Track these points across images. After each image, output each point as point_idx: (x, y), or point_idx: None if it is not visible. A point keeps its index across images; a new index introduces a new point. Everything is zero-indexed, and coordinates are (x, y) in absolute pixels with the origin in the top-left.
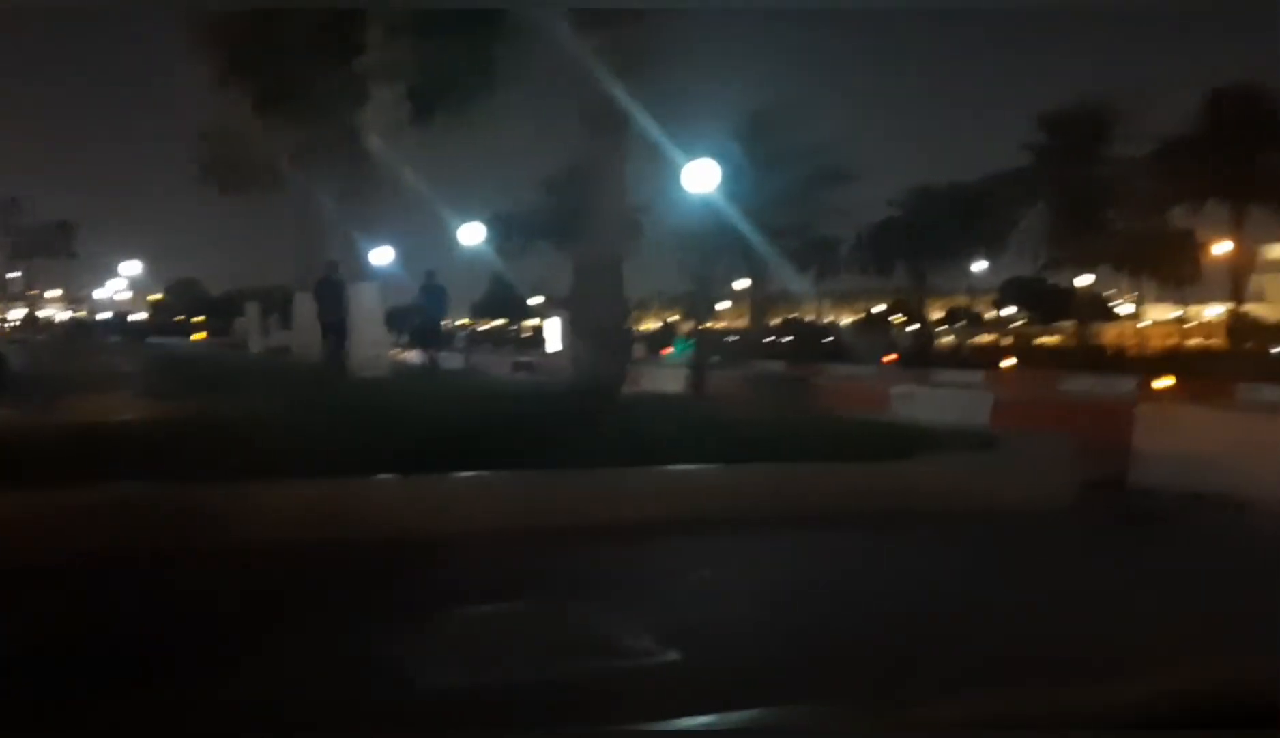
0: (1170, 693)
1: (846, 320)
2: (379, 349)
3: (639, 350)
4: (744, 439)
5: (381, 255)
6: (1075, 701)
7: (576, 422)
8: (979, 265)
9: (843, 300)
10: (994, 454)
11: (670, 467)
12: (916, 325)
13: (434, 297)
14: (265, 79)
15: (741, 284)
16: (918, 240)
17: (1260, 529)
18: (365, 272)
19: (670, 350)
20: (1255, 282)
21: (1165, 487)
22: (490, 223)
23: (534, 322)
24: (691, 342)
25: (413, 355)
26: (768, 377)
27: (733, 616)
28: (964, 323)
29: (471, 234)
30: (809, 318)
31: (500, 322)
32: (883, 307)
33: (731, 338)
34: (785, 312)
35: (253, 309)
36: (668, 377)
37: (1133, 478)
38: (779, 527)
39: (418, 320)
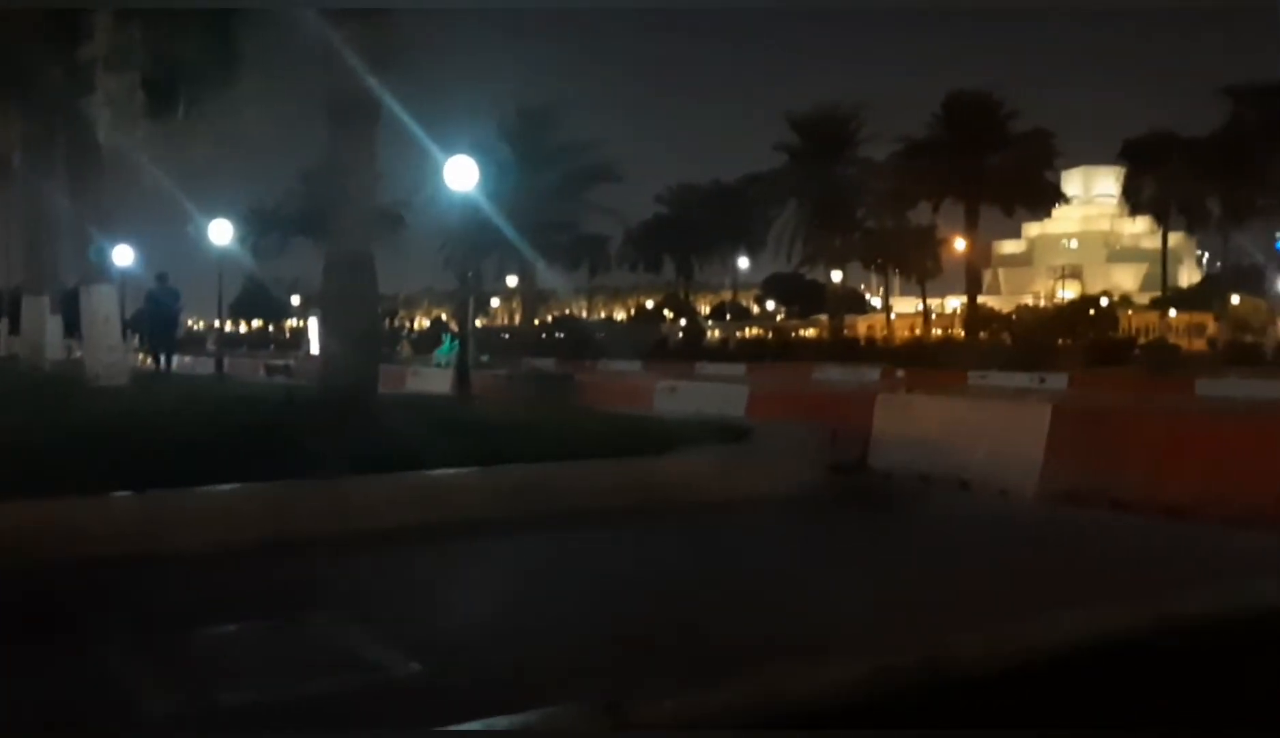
0: (885, 668)
1: (619, 316)
2: (116, 356)
3: (405, 350)
4: (504, 440)
5: (121, 255)
6: (791, 685)
7: (327, 428)
8: (743, 261)
9: (615, 296)
10: (745, 445)
11: (425, 472)
12: (685, 321)
13: (163, 300)
14: None
15: (514, 281)
16: (684, 237)
17: (977, 507)
18: (100, 273)
19: (438, 349)
20: (989, 275)
21: (900, 469)
22: (246, 219)
23: (294, 322)
24: (457, 340)
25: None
26: (534, 375)
27: (478, 622)
28: (730, 317)
29: (221, 232)
30: (582, 314)
31: (258, 323)
32: (652, 302)
33: (504, 335)
34: (558, 308)
35: None
36: (435, 377)
37: (872, 460)
38: (533, 528)
39: (148, 325)
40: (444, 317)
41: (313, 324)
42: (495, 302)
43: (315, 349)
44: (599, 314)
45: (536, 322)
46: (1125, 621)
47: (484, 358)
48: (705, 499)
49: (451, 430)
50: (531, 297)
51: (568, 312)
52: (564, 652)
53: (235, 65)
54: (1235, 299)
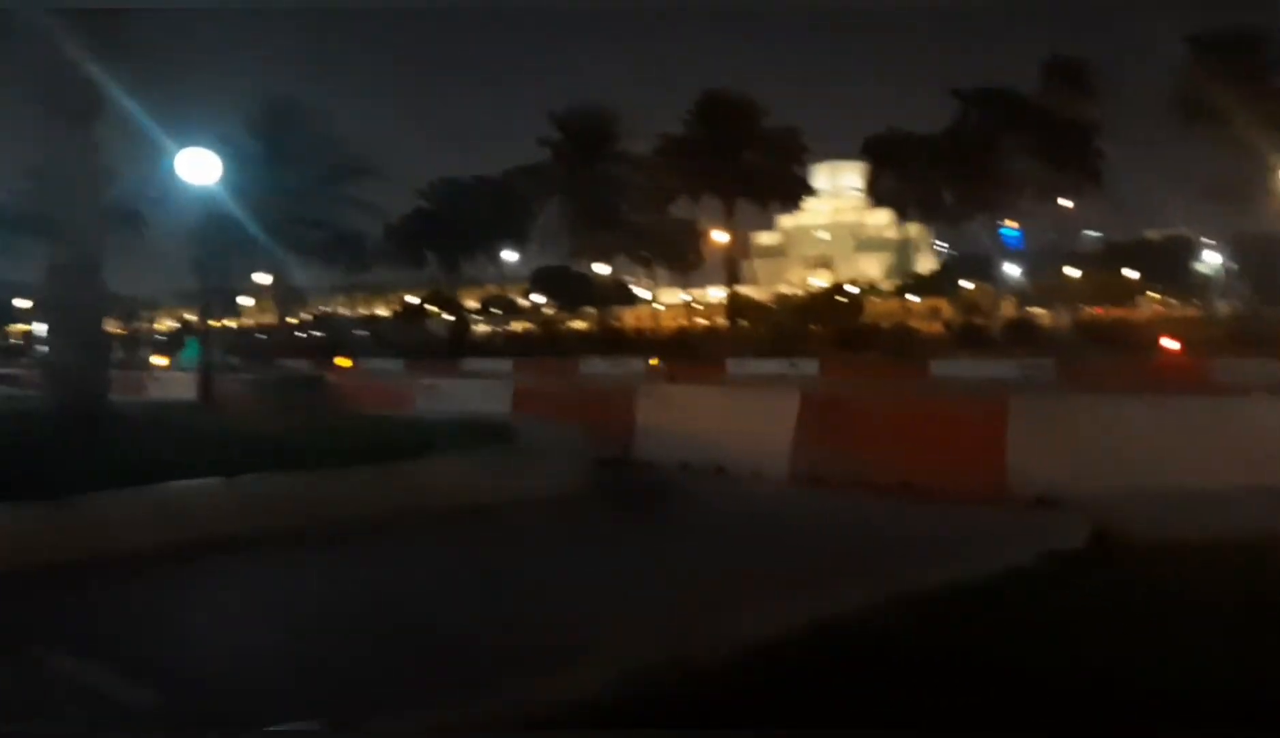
0: (633, 669)
1: (382, 313)
2: None
3: (148, 354)
4: (250, 449)
5: None
6: (536, 694)
7: (54, 442)
8: (510, 255)
9: (376, 293)
10: (507, 445)
11: (164, 486)
12: (451, 317)
13: None
14: None
15: (266, 279)
16: (447, 231)
17: (732, 492)
18: None
19: (182, 352)
20: (748, 267)
21: (662, 459)
22: None
23: (24, 327)
24: (200, 343)
25: None
26: (285, 378)
27: (218, 647)
28: (499, 311)
29: None
30: (341, 312)
31: None
32: (417, 298)
33: (259, 336)
34: (316, 307)
35: None
36: (178, 383)
37: (636, 453)
38: (282, 543)
39: None
40: (190, 318)
41: (41, 329)
42: (248, 301)
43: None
44: (360, 312)
45: (292, 321)
46: (861, 598)
47: (231, 360)
48: (467, 503)
49: (194, 440)
50: (285, 295)
51: (326, 310)
52: (306, 673)
53: None
54: (967, 285)
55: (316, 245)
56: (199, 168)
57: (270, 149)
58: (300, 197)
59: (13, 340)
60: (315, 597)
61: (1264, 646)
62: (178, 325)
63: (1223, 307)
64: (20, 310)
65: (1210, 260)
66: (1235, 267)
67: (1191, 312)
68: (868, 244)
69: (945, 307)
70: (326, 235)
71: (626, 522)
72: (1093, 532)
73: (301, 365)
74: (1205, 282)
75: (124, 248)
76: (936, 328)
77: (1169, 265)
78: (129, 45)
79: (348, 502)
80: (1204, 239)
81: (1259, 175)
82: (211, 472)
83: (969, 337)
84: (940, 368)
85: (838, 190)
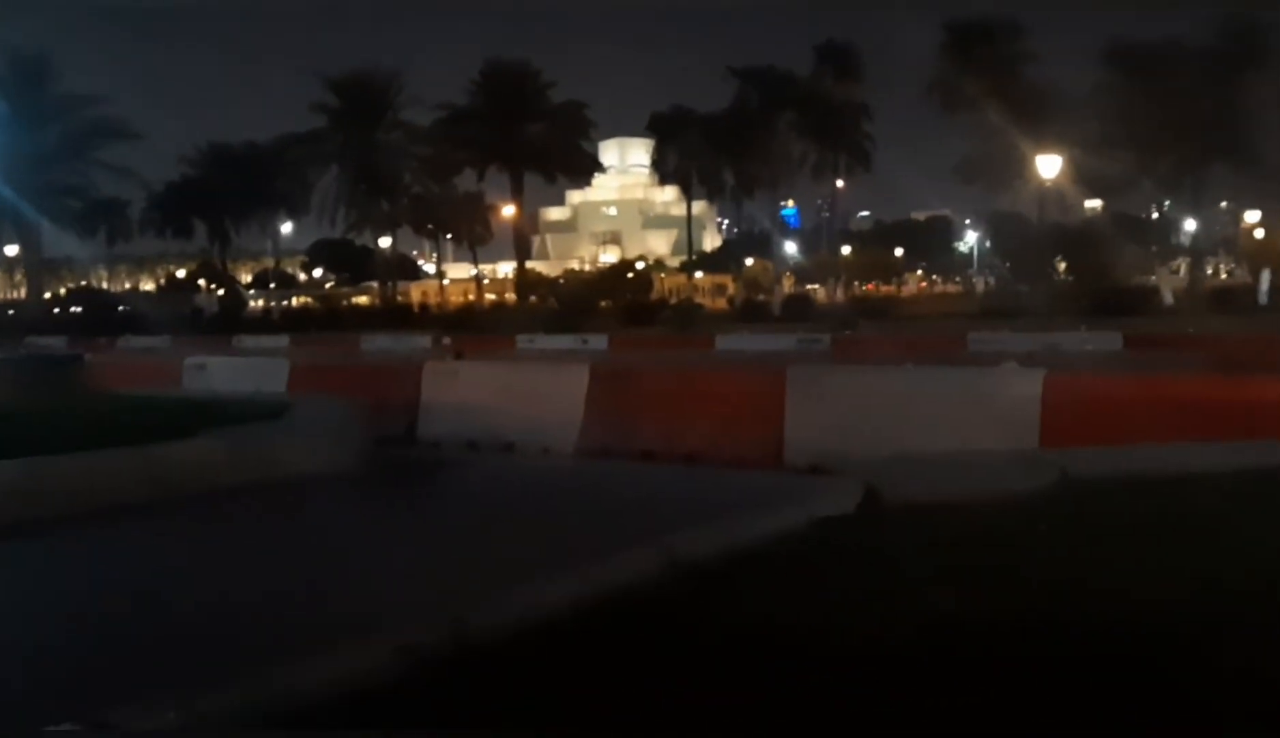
0: (406, 647)
1: (148, 287)
2: None
3: None
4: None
5: None
6: (302, 678)
7: None
8: (286, 227)
9: (141, 266)
10: (280, 423)
11: None
12: (223, 290)
13: None
14: None
15: (14, 250)
16: (217, 201)
17: (518, 468)
18: None
19: None
20: (538, 242)
21: (448, 437)
22: None
23: None
24: None
25: None
26: (34, 357)
27: None
28: (274, 286)
29: None
30: (103, 286)
31: None
32: (185, 272)
33: (8, 312)
34: (74, 280)
35: None
36: None
37: (421, 431)
38: (25, 534)
39: None
40: None
41: None
42: None
43: None
44: (123, 286)
45: (47, 295)
46: (639, 567)
47: None
48: (233, 484)
49: None
50: (37, 267)
51: (85, 284)
52: (56, 671)
53: None
54: (749, 262)
55: (71, 213)
56: None
57: (16, 108)
58: (51, 160)
59: None
60: (62, 591)
61: (1004, 599)
62: None
63: (979, 282)
64: None
65: (969, 239)
66: (990, 244)
67: (953, 287)
68: (655, 221)
69: (729, 283)
70: (82, 203)
71: (403, 500)
72: (863, 496)
73: (56, 343)
74: (964, 259)
75: None
76: (721, 303)
77: (933, 244)
78: None
79: (104, 489)
80: (965, 220)
81: (1010, 159)
82: None
83: (751, 312)
84: (724, 342)
85: (626, 167)
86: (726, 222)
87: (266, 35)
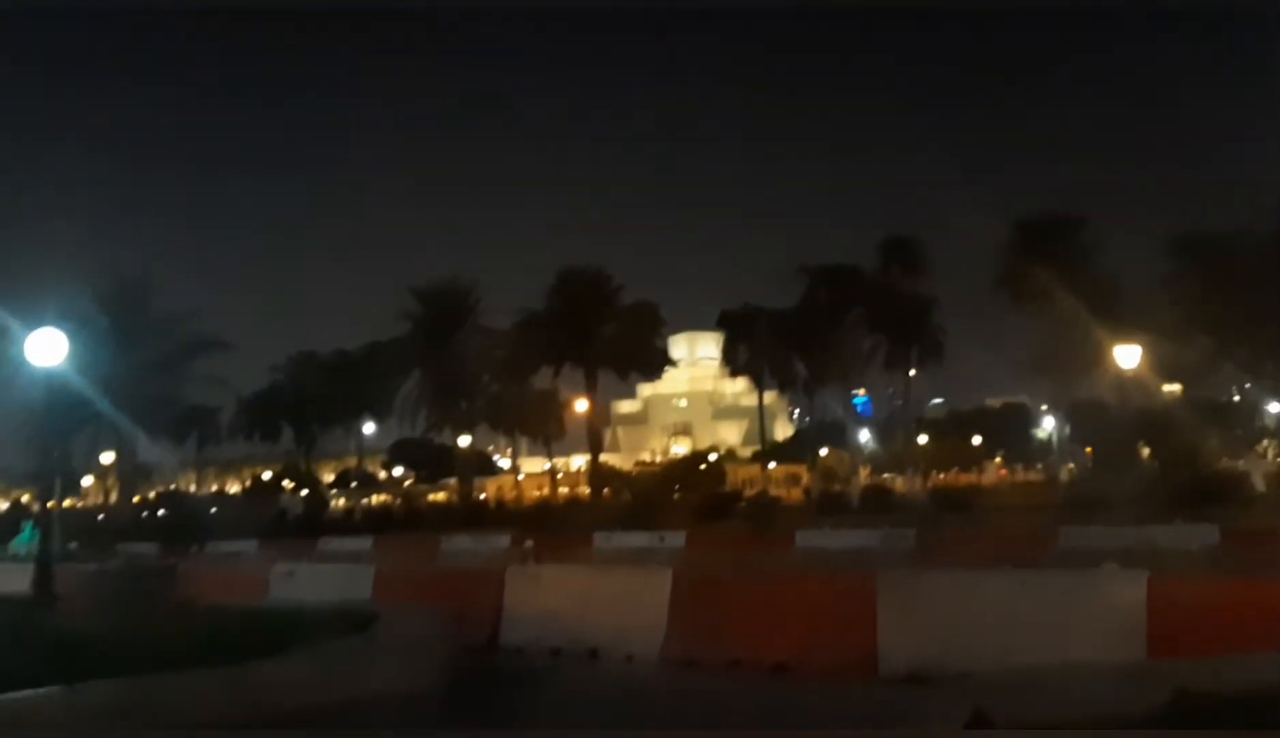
0: None
1: (233, 489)
2: None
3: None
4: (91, 651)
5: None
6: None
7: None
8: (369, 427)
9: (228, 468)
10: (367, 638)
11: None
12: (307, 490)
13: None
14: None
15: (109, 457)
16: (303, 405)
17: (602, 679)
18: None
19: (17, 538)
20: (610, 434)
21: (531, 644)
22: None
23: None
24: (37, 529)
25: None
26: (129, 569)
27: None
28: (356, 484)
29: None
30: (190, 489)
31: None
32: (271, 473)
33: (99, 517)
34: (162, 484)
35: None
36: (12, 574)
37: (504, 639)
38: None
39: None
40: (25, 500)
41: None
42: (88, 480)
43: None
44: (210, 488)
45: (137, 499)
46: None
47: (71, 547)
48: (324, 702)
49: (26, 642)
50: (130, 473)
51: (174, 487)
52: None
53: None
54: (823, 452)
55: (165, 421)
56: (45, 348)
57: (118, 325)
58: (148, 373)
59: None
60: None
61: None
62: (9, 507)
63: (1062, 471)
64: None
65: (1046, 425)
66: (1069, 431)
67: (1034, 476)
68: (725, 411)
69: (804, 473)
70: (175, 411)
71: (484, 722)
72: (971, 716)
73: (147, 550)
74: (1043, 446)
75: None
76: (796, 495)
77: (1010, 431)
78: None
79: (199, 708)
80: (1041, 406)
81: (1084, 348)
82: (49, 680)
83: (829, 504)
84: (804, 538)
85: (696, 359)
86: (798, 411)
87: (358, 250)
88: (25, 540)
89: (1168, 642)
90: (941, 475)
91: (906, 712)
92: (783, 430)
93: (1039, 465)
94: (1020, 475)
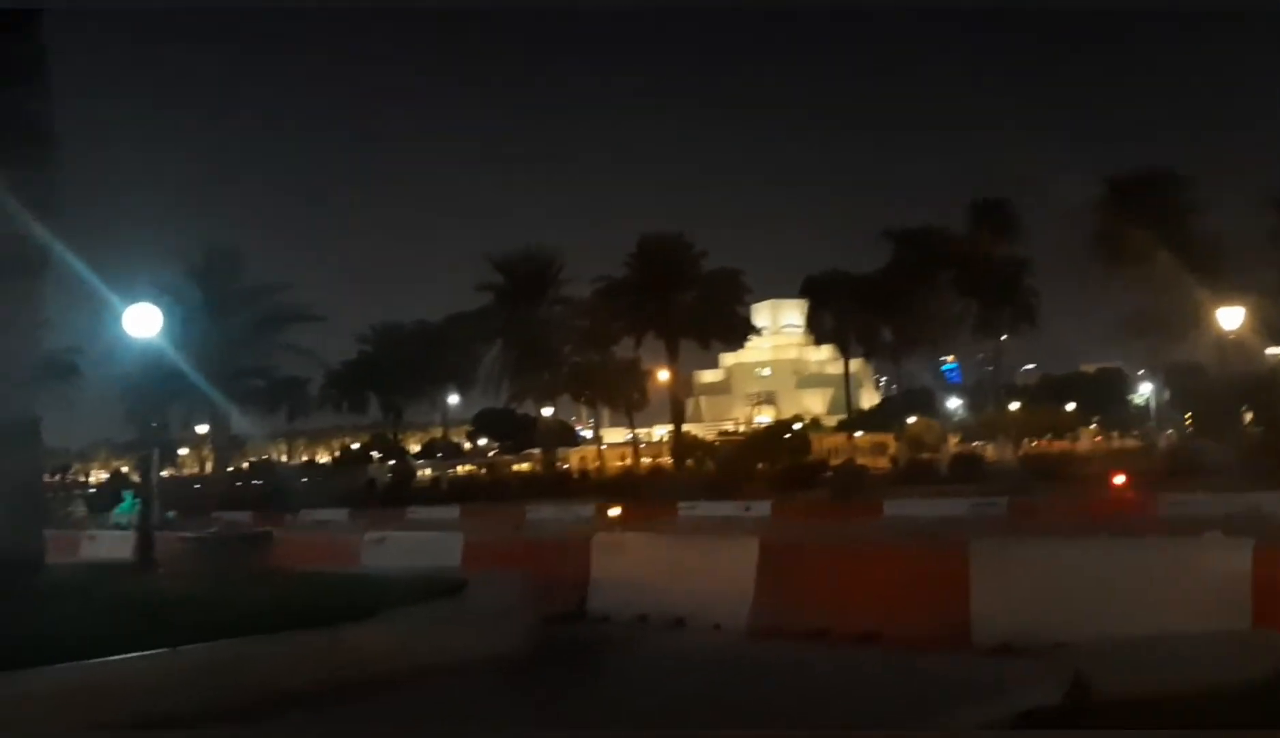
0: None
1: (323, 459)
2: None
3: (80, 510)
4: (190, 616)
5: None
6: None
7: None
8: (452, 398)
9: (317, 439)
10: (457, 603)
11: (94, 662)
12: (394, 461)
13: None
14: None
15: (204, 428)
16: (389, 376)
17: (690, 647)
18: None
19: (118, 507)
20: (692, 404)
21: (618, 611)
22: None
23: None
24: (138, 498)
25: None
26: (226, 536)
27: None
28: (441, 455)
29: None
30: (281, 459)
31: None
32: (359, 443)
33: (196, 486)
34: (255, 454)
35: None
36: (114, 541)
37: (591, 606)
38: (218, 719)
39: None
40: (123, 470)
41: None
42: (184, 451)
43: None
44: (300, 458)
45: (231, 469)
46: None
47: (169, 515)
48: (415, 665)
49: (130, 607)
50: (225, 444)
51: (266, 457)
52: None
53: None
54: (911, 420)
55: (257, 393)
56: (141, 321)
57: (210, 298)
58: (239, 345)
59: None
60: None
61: None
62: (109, 477)
63: (1160, 437)
64: None
65: (1143, 391)
66: (1168, 397)
67: (1131, 443)
68: (810, 380)
69: (891, 442)
70: (267, 383)
71: (575, 684)
72: (1069, 687)
73: (241, 518)
74: (1140, 412)
75: (56, 400)
76: (883, 463)
77: (1105, 397)
78: (67, 194)
79: (290, 671)
80: (1138, 371)
81: (1184, 310)
82: (149, 642)
83: (916, 472)
84: (893, 507)
85: (779, 327)
86: (885, 379)
87: (440, 219)
88: (126, 509)
89: (1275, 612)
90: (1034, 443)
91: (1003, 681)
92: (869, 399)
93: (1136, 432)
94: (1116, 442)
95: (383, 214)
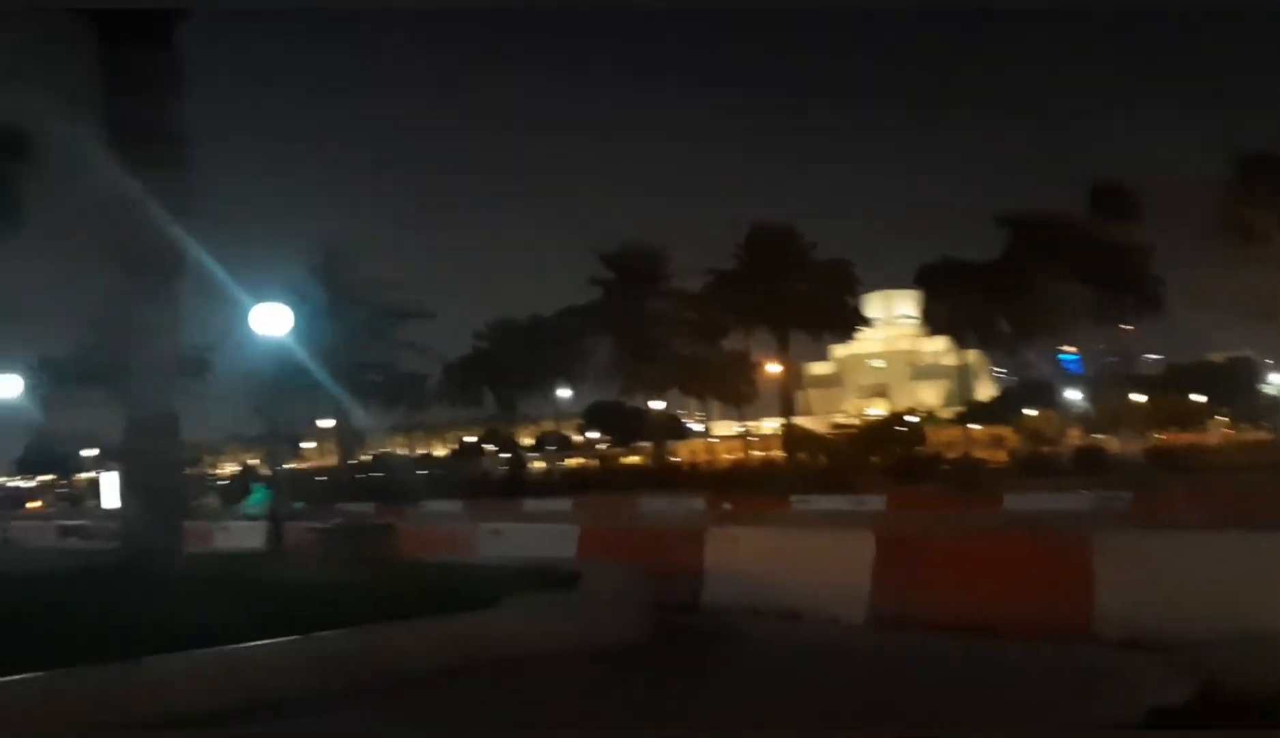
0: None
1: (439, 452)
2: None
3: (213, 502)
4: (320, 603)
5: None
6: None
7: (125, 601)
8: (564, 391)
9: (435, 432)
10: (573, 593)
11: (231, 647)
12: (508, 453)
13: None
14: None
15: (327, 422)
16: (503, 370)
17: (807, 640)
18: None
19: (248, 498)
20: (802, 397)
21: (732, 604)
22: (34, 369)
23: (88, 475)
24: (268, 490)
25: None
26: (352, 527)
27: None
28: (554, 448)
29: (7, 387)
30: (400, 452)
31: (48, 478)
32: (474, 436)
33: (320, 478)
34: (375, 447)
35: None
36: (246, 532)
37: (705, 599)
38: (346, 703)
39: None
40: (252, 463)
41: (104, 479)
42: (309, 444)
43: (110, 503)
44: (417, 451)
45: (354, 463)
46: None
47: (298, 506)
48: (536, 652)
49: (263, 595)
50: (348, 437)
51: (385, 451)
52: None
53: (18, 215)
54: (1030, 412)
55: (376, 388)
56: (271, 319)
57: (332, 295)
58: (359, 341)
59: (77, 490)
60: None
61: None
62: (239, 470)
63: None
64: (85, 460)
65: (1276, 382)
66: None
67: (1262, 435)
68: (924, 372)
69: (1009, 434)
70: (386, 378)
71: (690, 676)
72: (1197, 682)
73: (364, 509)
74: (1273, 403)
75: (189, 396)
76: (1001, 457)
77: (1234, 387)
78: (202, 197)
79: (416, 656)
80: (1269, 359)
81: None
82: (282, 629)
83: (1036, 465)
84: (1013, 501)
85: (891, 319)
86: (1002, 370)
87: (552, 214)
88: (256, 501)
89: None
90: (1160, 435)
91: (1132, 676)
92: (986, 391)
93: (1267, 424)
94: (1248, 434)
95: (496, 210)
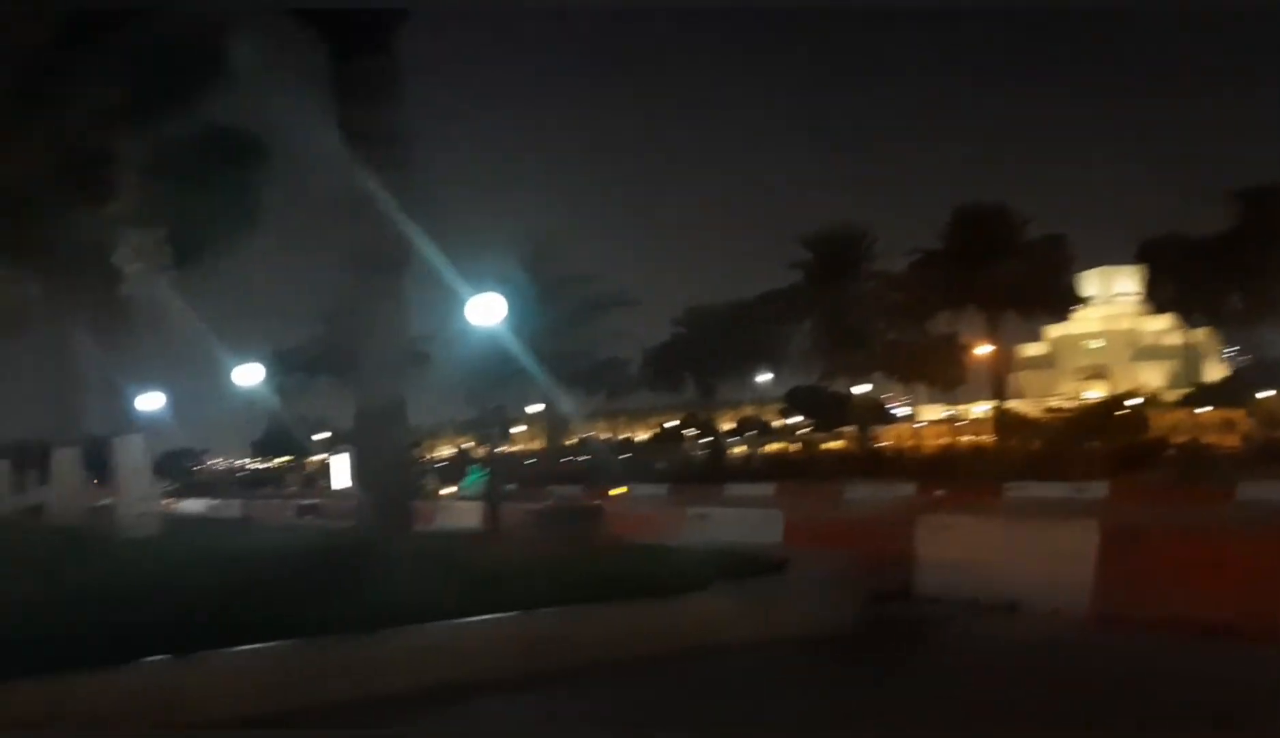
0: None
1: (641, 436)
2: (147, 505)
3: (433, 483)
4: (532, 584)
5: (150, 402)
6: None
7: (356, 578)
8: (764, 376)
9: (636, 417)
10: (780, 580)
11: (447, 623)
12: (709, 438)
13: None
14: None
15: (535, 407)
16: (702, 356)
17: (1026, 633)
18: (129, 422)
19: (464, 480)
20: (1013, 380)
21: (945, 593)
22: (270, 360)
23: (320, 457)
24: (484, 472)
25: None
26: (564, 509)
27: None
28: (754, 432)
29: (249, 374)
30: (604, 436)
31: (284, 460)
32: (675, 421)
33: (529, 461)
34: (580, 431)
35: (1, 466)
36: (463, 512)
37: (917, 587)
38: (573, 679)
39: None
40: (466, 447)
41: (335, 461)
42: (517, 428)
43: (340, 484)
44: (619, 436)
45: (561, 447)
46: None
47: (510, 488)
48: (746, 637)
49: (479, 575)
50: (555, 422)
51: (590, 435)
52: None
53: (257, 215)
54: (1266, 394)
55: (580, 374)
56: (487, 310)
57: (538, 283)
58: (564, 328)
59: (310, 472)
60: None
61: None
62: (455, 453)
63: None
64: (318, 443)
65: None
66: None
67: None
68: (1146, 352)
69: (1242, 418)
70: (589, 364)
71: (903, 667)
72: None
73: (572, 491)
74: None
75: (412, 384)
76: (1232, 442)
77: None
78: (426, 194)
79: (629, 638)
80: None
81: None
82: (495, 608)
83: (1274, 452)
84: (1248, 490)
85: (1110, 297)
86: (1234, 350)
87: (750, 199)
88: (471, 482)
89: None
90: None
91: None
92: (1215, 372)
93: None
94: None
95: (694, 195)
